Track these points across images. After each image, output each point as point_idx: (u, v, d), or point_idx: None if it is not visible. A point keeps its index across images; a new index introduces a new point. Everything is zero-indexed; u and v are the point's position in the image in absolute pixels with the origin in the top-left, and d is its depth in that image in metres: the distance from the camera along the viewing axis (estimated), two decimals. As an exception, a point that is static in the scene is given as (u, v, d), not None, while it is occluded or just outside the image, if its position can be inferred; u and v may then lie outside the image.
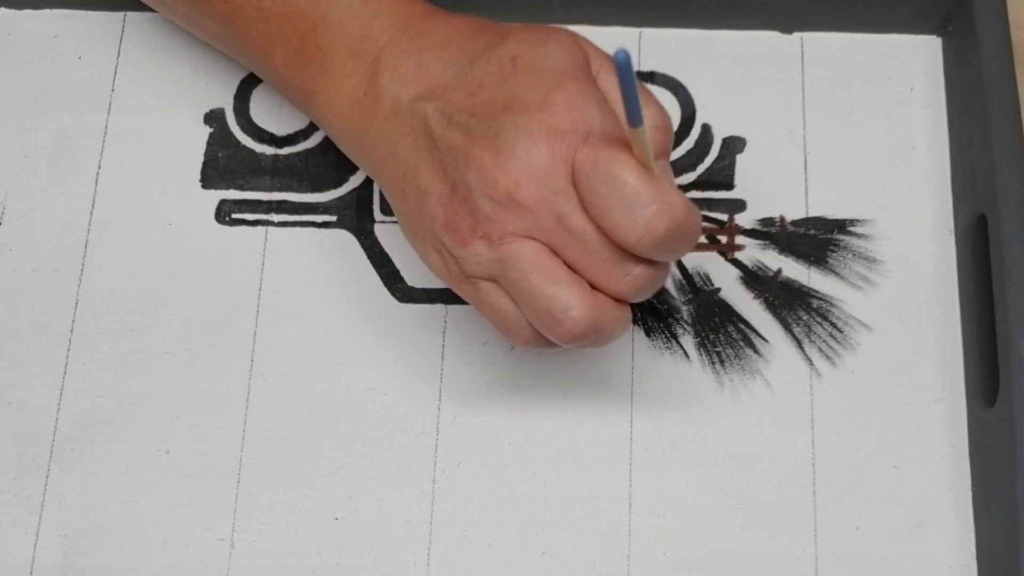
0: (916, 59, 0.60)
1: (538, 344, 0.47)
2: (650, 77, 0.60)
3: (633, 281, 0.45)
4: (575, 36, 0.47)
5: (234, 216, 0.58)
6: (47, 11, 0.62)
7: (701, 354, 0.56)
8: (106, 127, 0.60)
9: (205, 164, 0.59)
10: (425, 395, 0.55)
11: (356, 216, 0.58)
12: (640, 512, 0.53)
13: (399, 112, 0.48)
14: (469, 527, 0.53)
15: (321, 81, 0.51)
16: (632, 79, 0.40)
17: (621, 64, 0.39)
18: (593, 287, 0.45)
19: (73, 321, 0.56)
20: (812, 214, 0.58)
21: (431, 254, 0.47)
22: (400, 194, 0.48)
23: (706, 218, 0.58)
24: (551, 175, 0.44)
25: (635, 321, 0.56)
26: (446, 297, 0.56)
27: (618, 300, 0.46)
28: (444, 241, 0.46)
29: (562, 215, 0.44)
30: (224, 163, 0.59)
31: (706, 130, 0.59)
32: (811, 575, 0.52)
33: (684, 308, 0.56)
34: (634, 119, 0.41)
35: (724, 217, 0.58)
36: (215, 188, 0.59)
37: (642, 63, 0.60)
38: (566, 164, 0.44)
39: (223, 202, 0.58)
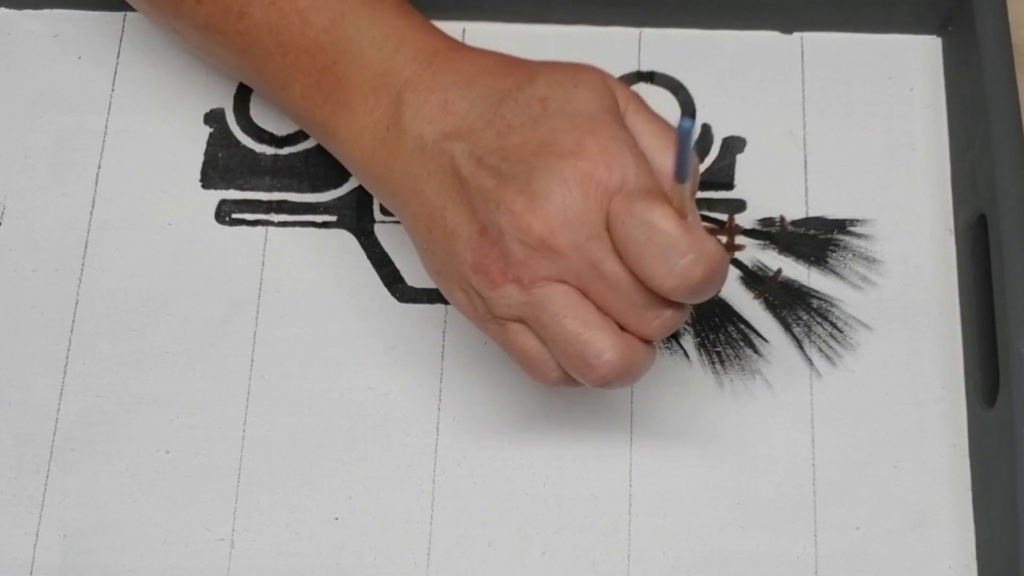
0: (916, 59, 0.60)
1: (566, 384, 0.47)
2: (650, 77, 0.60)
3: (662, 323, 0.45)
4: (602, 75, 0.47)
5: (234, 216, 0.58)
6: (47, 11, 0.62)
7: (701, 354, 0.56)
8: (106, 127, 0.60)
9: (205, 164, 0.59)
10: (425, 395, 0.55)
11: (356, 216, 0.58)
12: (640, 512, 0.53)
13: (424, 150, 0.47)
14: (469, 527, 0.53)
15: (341, 115, 0.50)
16: (689, 144, 0.40)
17: (684, 132, 0.39)
18: (622, 329, 0.46)
19: (73, 321, 0.56)
20: (812, 214, 0.58)
21: (457, 293, 0.47)
22: (425, 233, 0.47)
23: (706, 218, 0.58)
24: (585, 221, 0.44)
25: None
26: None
27: (645, 340, 0.46)
28: (472, 283, 0.46)
29: (596, 261, 0.44)
30: (224, 163, 0.59)
31: (706, 130, 0.59)
32: (811, 575, 0.52)
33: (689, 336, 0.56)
34: (682, 176, 0.42)
35: (724, 217, 0.58)
36: (215, 188, 0.59)
37: (642, 63, 0.60)
38: (600, 210, 0.44)
39: (223, 202, 0.58)
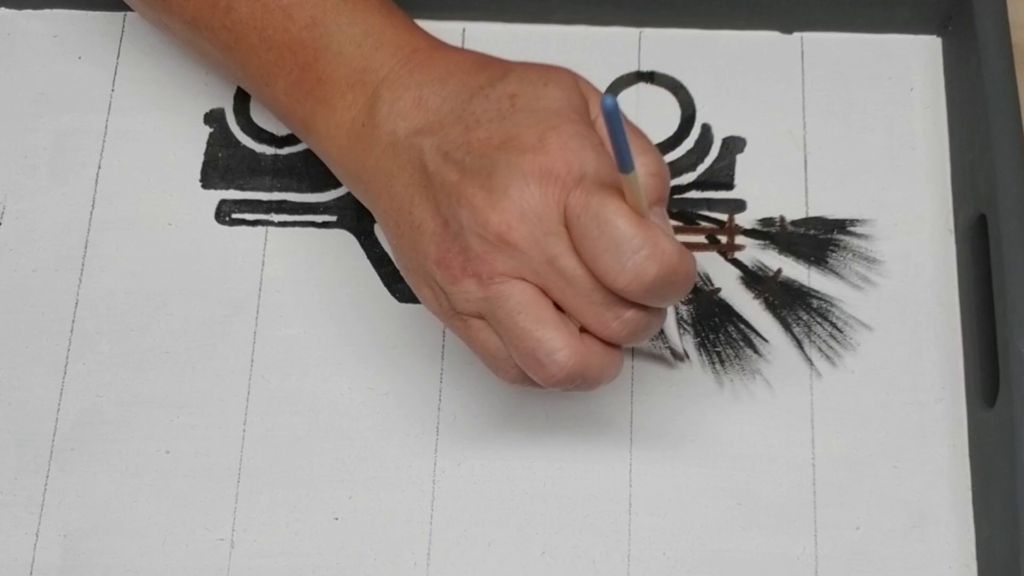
0: (916, 59, 0.60)
1: (524, 383, 0.47)
2: (650, 77, 0.60)
3: (623, 325, 0.45)
4: (575, 77, 0.47)
5: (234, 216, 0.58)
6: (47, 11, 0.62)
7: (701, 354, 0.56)
8: (106, 127, 0.60)
9: (205, 164, 0.59)
10: (425, 395, 0.55)
11: (356, 216, 0.58)
12: (640, 512, 0.53)
13: (396, 146, 0.47)
14: (469, 527, 0.53)
15: (320, 112, 0.50)
16: (620, 125, 0.39)
17: (608, 110, 0.39)
18: (584, 330, 0.45)
19: (73, 321, 0.56)
20: (812, 214, 0.58)
21: (423, 289, 0.47)
22: (395, 228, 0.48)
23: (706, 218, 0.58)
24: (543, 217, 0.44)
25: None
26: (446, 297, 0.56)
27: (609, 344, 0.46)
28: (436, 277, 0.46)
29: (553, 257, 0.44)
30: (224, 163, 0.59)
31: (706, 130, 0.59)
32: (811, 575, 0.52)
33: (680, 362, 0.55)
34: (624, 165, 0.41)
35: (724, 217, 0.58)
36: (215, 188, 0.59)
37: (642, 63, 0.60)
38: (558, 206, 0.44)
39: (223, 202, 0.58)
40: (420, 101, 0.48)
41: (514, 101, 0.46)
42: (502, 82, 0.46)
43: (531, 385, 0.47)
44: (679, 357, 0.55)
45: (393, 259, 0.49)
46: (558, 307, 0.45)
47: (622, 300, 0.44)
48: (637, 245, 0.43)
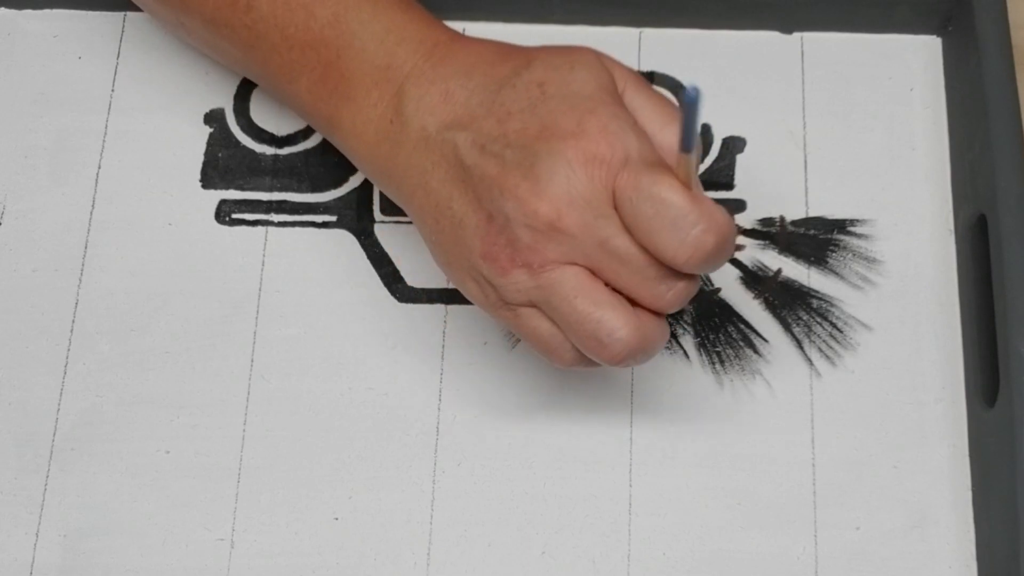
0: (916, 59, 0.60)
1: (582, 365, 0.47)
2: (650, 77, 0.60)
3: (676, 295, 0.45)
4: (598, 55, 0.47)
5: (234, 216, 0.58)
6: (47, 11, 0.62)
7: (701, 354, 0.56)
8: (106, 127, 0.60)
9: (205, 164, 0.59)
10: (425, 395, 0.55)
11: (356, 216, 0.58)
12: (640, 512, 0.53)
13: (428, 141, 0.47)
14: (469, 527, 0.53)
15: (346, 109, 0.50)
16: (696, 112, 0.40)
17: (690, 100, 0.40)
18: (634, 304, 0.46)
19: (73, 321, 0.56)
20: (812, 214, 0.58)
21: (468, 282, 0.47)
22: (433, 224, 0.48)
23: (706, 218, 0.58)
24: (592, 201, 0.44)
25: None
26: (446, 297, 0.56)
27: (657, 314, 0.46)
28: (482, 271, 0.46)
29: (605, 239, 0.44)
30: (224, 163, 0.59)
31: (706, 130, 0.59)
32: (811, 575, 0.52)
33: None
34: (688, 145, 0.42)
35: (724, 217, 0.58)
36: (215, 188, 0.59)
37: (642, 63, 0.60)
38: (606, 189, 0.44)
39: (223, 202, 0.58)
40: (447, 95, 0.48)
41: (544, 89, 0.46)
42: (528, 71, 0.46)
43: (588, 366, 0.47)
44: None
45: (431, 254, 0.49)
46: (609, 285, 0.45)
47: (673, 272, 0.45)
48: (694, 219, 0.43)
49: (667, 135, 0.46)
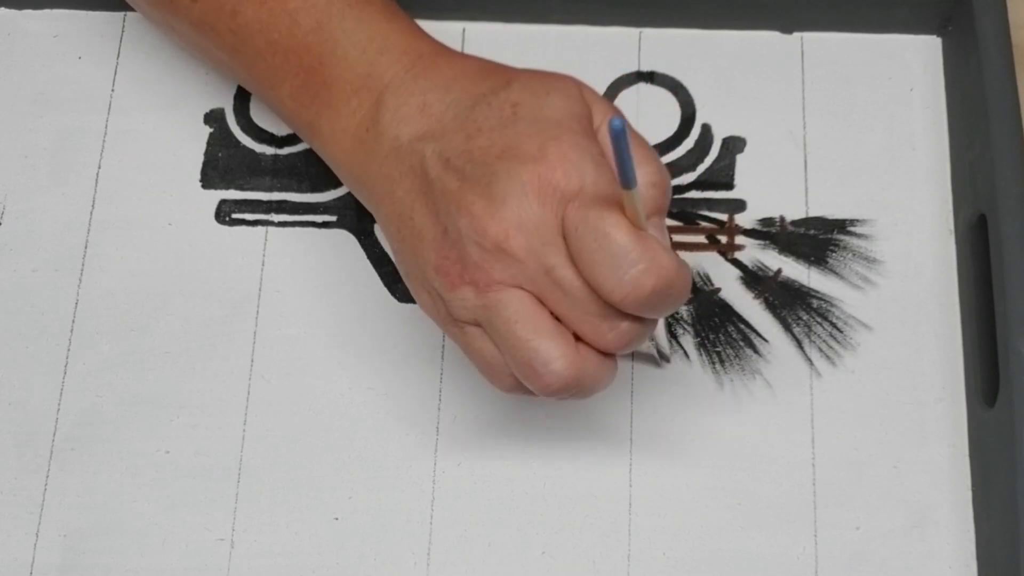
0: (916, 59, 0.60)
1: (520, 391, 0.47)
2: (650, 77, 0.60)
3: (619, 336, 0.45)
4: (580, 86, 0.47)
5: (234, 216, 0.58)
6: (47, 11, 0.62)
7: (701, 354, 0.56)
8: (106, 127, 0.60)
9: (205, 164, 0.59)
10: (425, 395, 0.55)
11: (356, 216, 0.58)
12: (640, 512, 0.53)
13: (399, 151, 0.47)
14: (469, 527, 0.53)
15: (325, 116, 0.50)
16: (626, 145, 0.40)
17: (615, 132, 0.39)
18: (579, 339, 0.45)
19: (73, 321, 0.56)
20: (812, 214, 0.58)
21: (422, 294, 0.48)
22: (396, 233, 0.48)
23: (706, 218, 0.58)
24: (540, 227, 0.44)
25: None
26: (446, 297, 0.56)
27: (605, 353, 0.46)
28: (434, 284, 0.46)
29: (550, 267, 0.44)
30: (224, 163, 0.59)
31: (706, 130, 0.59)
32: (811, 575, 0.52)
33: (665, 362, 0.55)
34: (627, 181, 0.41)
35: (724, 217, 0.58)
36: (215, 188, 0.59)
37: (642, 63, 0.60)
38: (556, 217, 0.44)
39: (223, 202, 0.58)
40: (424, 107, 0.48)
41: (516, 110, 0.46)
42: (505, 90, 0.46)
43: (526, 393, 0.47)
44: (664, 358, 0.55)
45: (395, 263, 0.49)
46: (554, 316, 0.45)
47: (618, 311, 0.44)
48: (634, 259, 0.43)
49: (639, 174, 0.45)
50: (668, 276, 0.43)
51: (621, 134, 0.39)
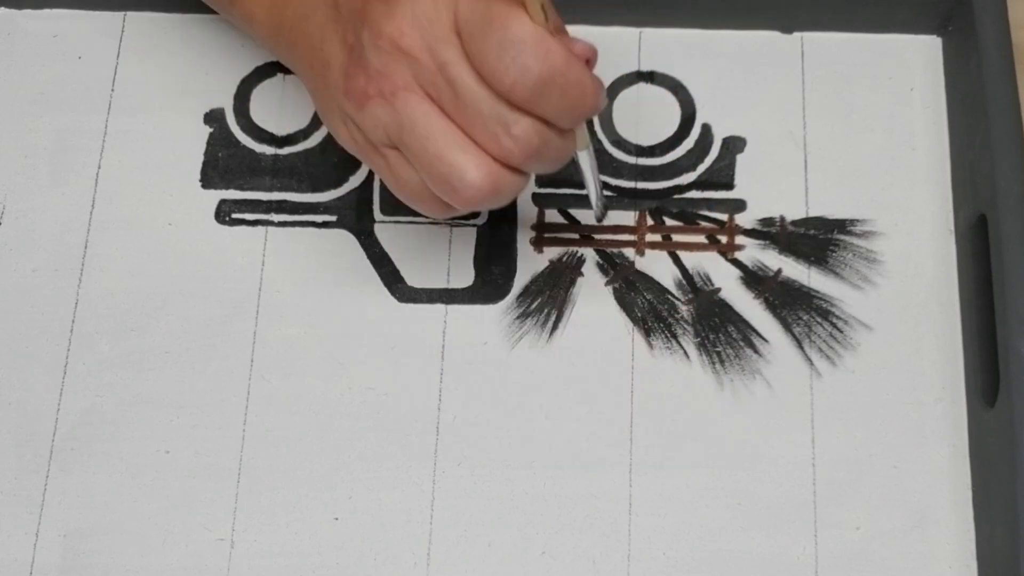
0: (916, 59, 0.60)
1: (447, 212, 0.47)
2: (650, 77, 0.60)
3: (515, 142, 0.45)
4: None
5: (234, 216, 0.58)
6: (47, 11, 0.62)
7: (701, 354, 0.56)
8: (106, 127, 0.60)
9: (205, 164, 0.59)
10: (425, 395, 0.55)
11: (356, 216, 0.58)
12: (640, 512, 0.53)
13: None
14: (469, 527, 0.53)
15: None
16: None
17: None
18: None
19: (73, 321, 0.56)
20: (812, 214, 0.58)
21: (339, 126, 0.48)
22: (310, 70, 0.49)
23: (706, 218, 0.58)
24: (434, 23, 0.44)
25: (635, 321, 0.56)
26: (446, 297, 0.56)
27: (511, 168, 0.45)
28: (346, 108, 0.46)
29: (443, 63, 0.44)
30: (224, 163, 0.59)
31: (706, 130, 0.59)
32: (811, 575, 0.52)
33: (601, 209, 0.53)
34: None
35: (724, 217, 0.58)
36: (215, 188, 0.59)
37: (642, 63, 0.60)
38: (449, 12, 0.44)
39: (223, 202, 0.58)
40: None
41: None
42: None
43: (452, 212, 0.47)
44: (601, 209, 0.53)
45: (315, 108, 0.50)
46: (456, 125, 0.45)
47: (513, 110, 0.44)
48: (520, 42, 0.43)
49: None
50: (557, 62, 0.43)
51: None
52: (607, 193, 0.58)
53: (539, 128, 0.45)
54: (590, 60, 0.45)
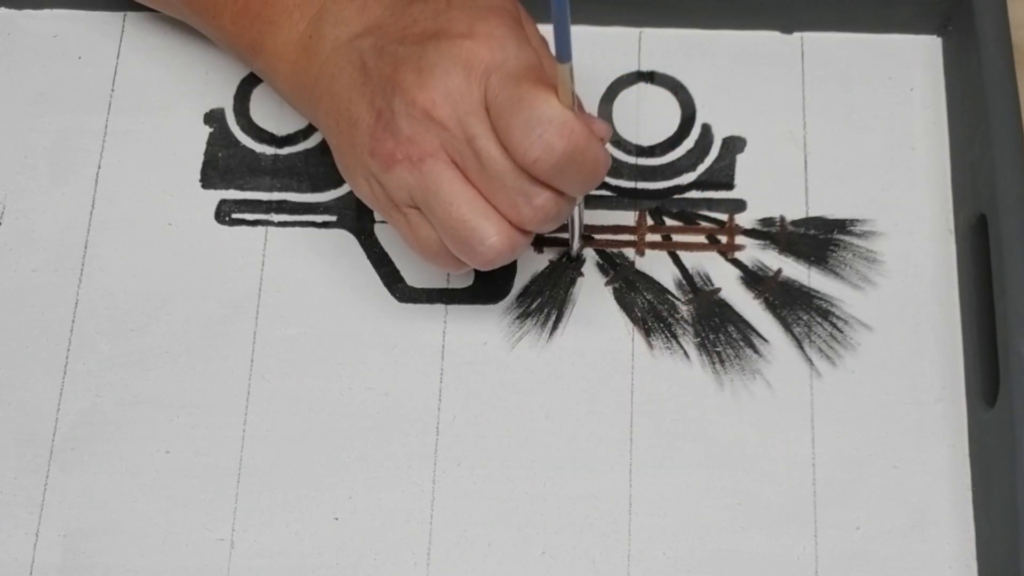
0: (916, 59, 0.60)
1: (460, 269, 0.50)
2: (650, 77, 0.60)
3: (534, 211, 0.47)
4: None
5: (234, 216, 0.58)
6: (47, 11, 0.62)
7: (701, 354, 0.56)
8: (106, 127, 0.60)
9: (205, 164, 0.59)
10: (425, 395, 0.55)
11: (356, 216, 0.58)
12: (640, 512, 0.53)
13: (339, 50, 0.49)
14: (469, 527, 0.53)
15: (269, 32, 0.52)
16: (564, 14, 0.42)
17: (558, 4, 0.41)
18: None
19: (73, 321, 0.56)
20: (812, 214, 0.58)
21: (361, 184, 0.50)
22: (334, 127, 0.50)
23: (706, 218, 0.58)
24: (465, 96, 0.46)
25: (635, 321, 0.56)
26: (446, 297, 0.56)
27: (525, 231, 0.48)
28: (372, 168, 0.48)
29: (472, 136, 0.46)
30: (224, 163, 0.59)
31: (706, 130, 0.59)
32: (811, 575, 0.52)
33: (579, 250, 0.56)
34: (563, 53, 0.43)
35: (724, 217, 0.58)
36: (215, 188, 0.59)
37: (642, 63, 0.60)
38: (480, 87, 0.46)
39: (223, 202, 0.58)
40: (363, 8, 0.50)
41: (451, 2, 0.48)
42: None
43: (464, 268, 0.50)
44: (574, 259, 0.57)
45: (336, 163, 0.51)
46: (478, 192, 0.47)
47: (534, 184, 0.46)
48: (547, 119, 0.45)
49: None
50: (579, 140, 0.45)
51: (561, 6, 0.41)
52: (607, 193, 0.58)
53: (556, 199, 0.47)
54: (604, 138, 0.48)
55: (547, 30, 0.45)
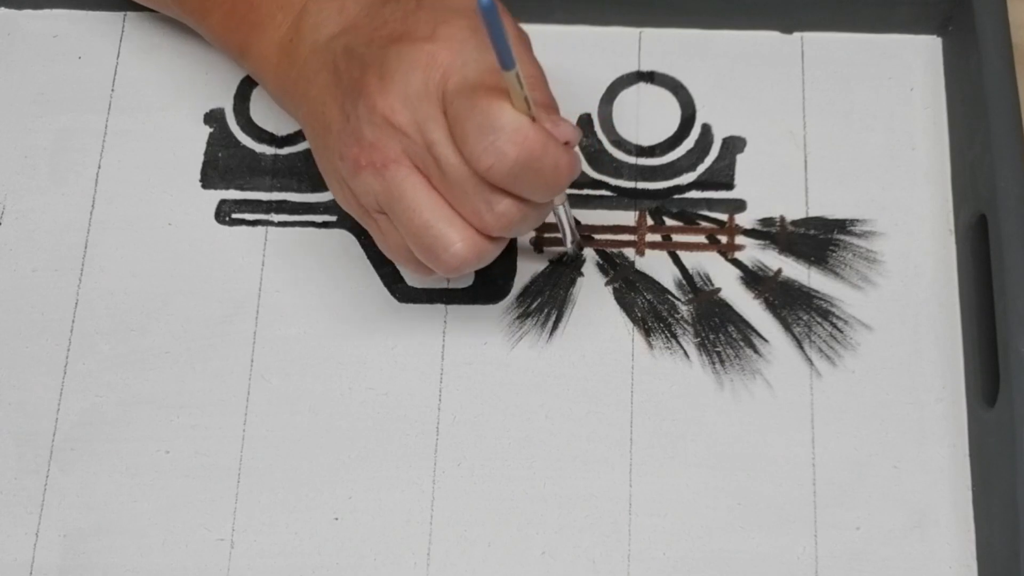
0: (916, 59, 0.60)
1: (429, 276, 0.50)
2: (650, 77, 0.60)
3: (497, 218, 0.46)
4: None
5: (234, 216, 0.58)
6: (47, 11, 0.62)
7: (701, 354, 0.56)
8: (106, 127, 0.60)
9: (205, 164, 0.59)
10: (425, 395, 0.55)
11: (356, 216, 0.58)
12: (640, 512, 0.53)
13: (316, 52, 0.50)
14: (469, 527, 0.53)
15: (254, 35, 0.53)
16: (499, 24, 0.41)
17: (485, 10, 0.40)
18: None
19: (73, 321, 0.56)
20: (812, 214, 0.58)
21: (335, 187, 0.50)
22: (311, 130, 0.50)
23: (706, 218, 0.58)
24: (424, 101, 0.46)
25: (635, 321, 0.56)
26: (446, 297, 0.56)
27: (491, 237, 0.47)
28: (342, 172, 0.48)
29: (431, 143, 0.46)
30: (224, 163, 0.59)
31: (706, 130, 0.59)
32: (811, 575, 0.52)
33: (574, 250, 0.56)
34: (505, 62, 0.43)
35: (724, 217, 0.58)
36: (215, 188, 0.59)
37: (642, 63, 0.60)
38: (438, 91, 0.45)
39: (223, 202, 0.58)
40: (342, 9, 0.50)
41: (420, 3, 0.48)
42: None
43: (437, 277, 0.50)
44: (575, 252, 0.56)
45: (316, 162, 0.52)
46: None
47: (494, 190, 0.46)
48: (499, 126, 0.44)
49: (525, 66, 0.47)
50: (533, 147, 0.45)
51: (490, 12, 0.40)
52: (607, 193, 0.58)
53: (519, 205, 0.47)
54: (570, 142, 0.47)
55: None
